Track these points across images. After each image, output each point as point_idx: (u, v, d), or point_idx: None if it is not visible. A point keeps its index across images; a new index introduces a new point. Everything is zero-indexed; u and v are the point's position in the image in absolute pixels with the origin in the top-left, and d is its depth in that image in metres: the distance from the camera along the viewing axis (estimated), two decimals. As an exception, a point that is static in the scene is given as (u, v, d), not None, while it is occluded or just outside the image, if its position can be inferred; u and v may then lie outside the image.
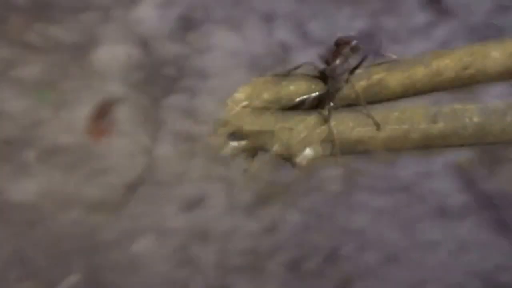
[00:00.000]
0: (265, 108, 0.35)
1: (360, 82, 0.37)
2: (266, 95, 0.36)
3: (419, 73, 0.36)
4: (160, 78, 1.29)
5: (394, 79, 0.36)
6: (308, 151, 0.34)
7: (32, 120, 1.21)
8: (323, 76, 0.37)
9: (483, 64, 0.36)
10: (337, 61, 0.36)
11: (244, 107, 0.35)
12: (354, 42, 0.36)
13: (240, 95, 0.35)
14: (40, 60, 1.29)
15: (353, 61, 0.37)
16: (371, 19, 1.46)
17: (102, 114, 1.21)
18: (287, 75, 0.37)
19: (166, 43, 1.33)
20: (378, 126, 0.34)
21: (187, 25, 1.37)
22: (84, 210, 1.13)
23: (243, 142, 0.34)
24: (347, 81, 0.36)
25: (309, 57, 1.27)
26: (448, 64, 0.36)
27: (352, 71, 0.37)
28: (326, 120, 0.35)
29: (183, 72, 1.29)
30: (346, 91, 0.37)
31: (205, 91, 1.27)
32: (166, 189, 1.16)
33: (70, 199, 1.14)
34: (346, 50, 0.36)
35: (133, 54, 1.31)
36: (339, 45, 0.37)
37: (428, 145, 0.34)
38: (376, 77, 0.37)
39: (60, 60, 1.29)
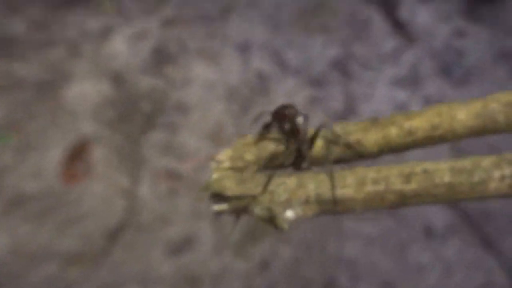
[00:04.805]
0: (246, 168, 0.37)
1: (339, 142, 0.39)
2: (247, 156, 0.37)
3: (393, 133, 0.39)
4: (136, 115, 1.21)
5: (371, 139, 0.39)
6: (289, 213, 0.35)
7: (-5, 167, 1.10)
8: (289, 135, 0.39)
9: (450, 125, 0.39)
10: (299, 119, 0.38)
11: (227, 168, 0.37)
12: (293, 110, 0.38)
13: (222, 157, 0.37)
14: (2, 100, 1.18)
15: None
16: (342, 46, 1.46)
17: (75, 156, 1.11)
18: (264, 134, 0.39)
19: (140, 77, 1.26)
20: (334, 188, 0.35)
21: (161, 58, 1.30)
22: (59, 264, 1.02)
23: (225, 205, 0.36)
24: (312, 140, 0.38)
25: (286, 86, 1.23)
26: (419, 125, 0.39)
27: (315, 133, 0.38)
28: (304, 182, 0.36)
29: (160, 107, 1.22)
30: (317, 150, 0.39)
31: (185, 126, 1.20)
32: (149, 233, 1.07)
33: (42, 253, 1.02)
34: (291, 113, 0.38)
35: (105, 90, 1.22)
36: (279, 113, 0.38)
37: (403, 204, 0.36)
38: (353, 137, 0.39)
39: (25, 99, 1.19)
